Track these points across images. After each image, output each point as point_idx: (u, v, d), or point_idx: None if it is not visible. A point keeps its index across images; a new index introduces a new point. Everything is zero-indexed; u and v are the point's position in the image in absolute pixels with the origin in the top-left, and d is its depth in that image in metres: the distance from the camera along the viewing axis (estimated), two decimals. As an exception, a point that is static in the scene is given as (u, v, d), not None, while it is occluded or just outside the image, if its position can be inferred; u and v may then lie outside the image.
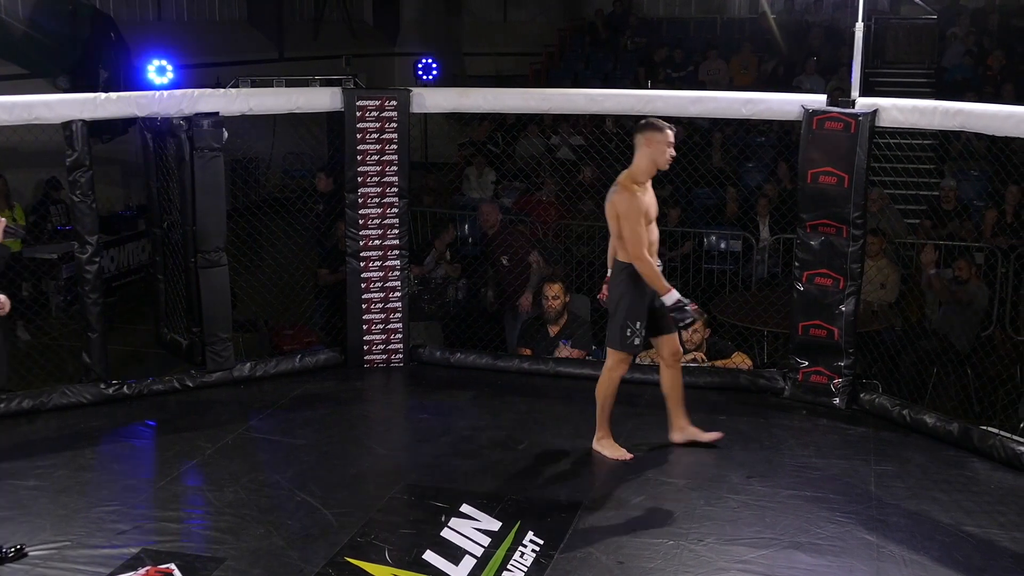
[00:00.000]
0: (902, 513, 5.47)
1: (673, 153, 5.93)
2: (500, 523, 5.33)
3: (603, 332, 8.51)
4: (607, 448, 6.20)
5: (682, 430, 6.30)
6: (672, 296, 5.82)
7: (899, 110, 6.64)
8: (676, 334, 6.19)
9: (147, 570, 4.83)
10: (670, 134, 5.91)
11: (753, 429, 6.60)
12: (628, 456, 6.15)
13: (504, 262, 8.60)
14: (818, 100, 6.96)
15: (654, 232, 6.00)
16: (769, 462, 6.12)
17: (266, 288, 8.36)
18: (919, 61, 15.63)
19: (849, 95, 6.83)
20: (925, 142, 12.46)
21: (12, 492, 5.65)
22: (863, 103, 6.72)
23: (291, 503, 5.53)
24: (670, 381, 6.25)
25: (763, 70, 15.37)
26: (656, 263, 5.93)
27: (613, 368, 6.15)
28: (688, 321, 5.93)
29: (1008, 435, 6.22)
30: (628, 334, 5.99)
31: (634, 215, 5.82)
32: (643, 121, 6.04)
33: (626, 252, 5.89)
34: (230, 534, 5.19)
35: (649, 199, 5.97)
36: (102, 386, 6.99)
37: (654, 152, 5.90)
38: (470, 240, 11.09)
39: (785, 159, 10.67)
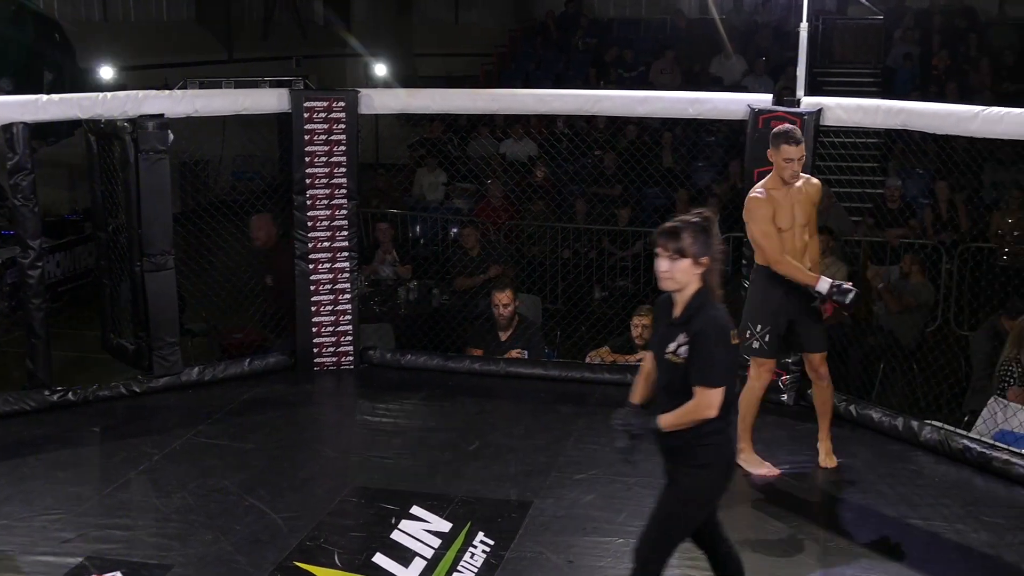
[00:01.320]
0: (849, 507, 5.55)
1: (795, 169, 5.75)
2: (450, 524, 5.32)
3: (554, 333, 8.58)
4: (750, 463, 5.91)
5: (826, 453, 6.05)
6: (824, 283, 5.68)
7: (843, 109, 6.71)
8: (816, 353, 5.94)
9: (92, 578, 4.77)
10: (788, 150, 5.71)
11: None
12: (775, 472, 5.90)
13: (268, 282, 8.08)
14: (764, 100, 7.03)
15: (794, 237, 5.82)
16: (718, 459, 6.15)
17: (215, 292, 8.29)
18: (865, 61, 15.82)
19: (793, 95, 6.90)
20: (871, 140, 12.60)
21: None
22: (808, 102, 6.79)
23: (240, 508, 5.49)
24: (816, 398, 6.10)
25: (687, 69, 15.45)
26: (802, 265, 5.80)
27: (753, 377, 5.94)
28: (852, 297, 5.65)
29: (952, 429, 6.32)
30: (747, 336, 5.84)
31: (759, 218, 5.78)
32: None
33: (763, 255, 5.83)
34: (177, 540, 5.14)
35: (784, 202, 5.78)
36: (46, 392, 6.89)
37: (776, 165, 5.82)
38: (421, 241, 11.08)
39: (735, 158, 10.75)
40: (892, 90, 13.45)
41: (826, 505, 5.55)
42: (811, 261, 5.89)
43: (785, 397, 6.96)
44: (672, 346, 3.95)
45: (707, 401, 3.90)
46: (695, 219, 3.93)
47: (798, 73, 7.00)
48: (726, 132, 10.52)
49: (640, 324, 7.41)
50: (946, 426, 6.34)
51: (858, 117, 6.71)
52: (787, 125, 5.96)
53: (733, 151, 10.62)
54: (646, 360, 4.31)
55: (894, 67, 15.05)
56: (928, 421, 6.42)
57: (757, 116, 6.83)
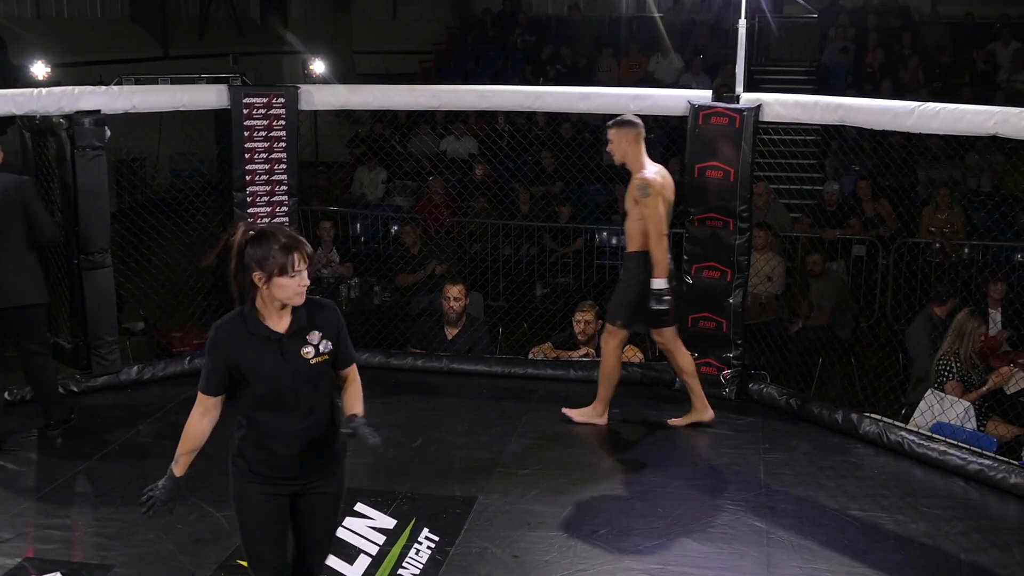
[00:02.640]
0: (790, 499, 5.60)
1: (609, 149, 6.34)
2: (395, 521, 5.31)
3: (496, 330, 8.58)
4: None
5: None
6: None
7: (782, 105, 6.80)
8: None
9: (31, 580, 4.69)
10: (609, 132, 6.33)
11: (644, 421, 6.68)
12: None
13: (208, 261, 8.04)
14: (704, 96, 7.09)
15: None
16: (660, 453, 6.21)
17: (154, 290, 8.18)
18: (801, 59, 16.02)
19: (733, 91, 6.97)
20: (808, 138, 12.77)
21: None
22: (747, 98, 6.86)
23: (182, 507, 5.40)
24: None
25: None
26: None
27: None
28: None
29: (891, 422, 6.43)
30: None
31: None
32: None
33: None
34: (118, 540, 5.07)
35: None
36: (-18, 392, 6.76)
37: None
38: (362, 239, 11.03)
39: (675, 155, 10.84)
40: (827, 88, 13.65)
41: (767, 498, 5.60)
42: None
43: (726, 391, 7.02)
44: (310, 349, 3.74)
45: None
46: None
47: (737, 69, 7.08)
48: (666, 129, 10.57)
49: (583, 320, 7.45)
50: (885, 419, 6.44)
51: (796, 113, 6.80)
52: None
53: (671, 148, 10.69)
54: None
55: (829, 65, 15.27)
56: (867, 414, 6.52)
57: (697, 112, 6.89)
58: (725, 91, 7.21)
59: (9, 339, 6.40)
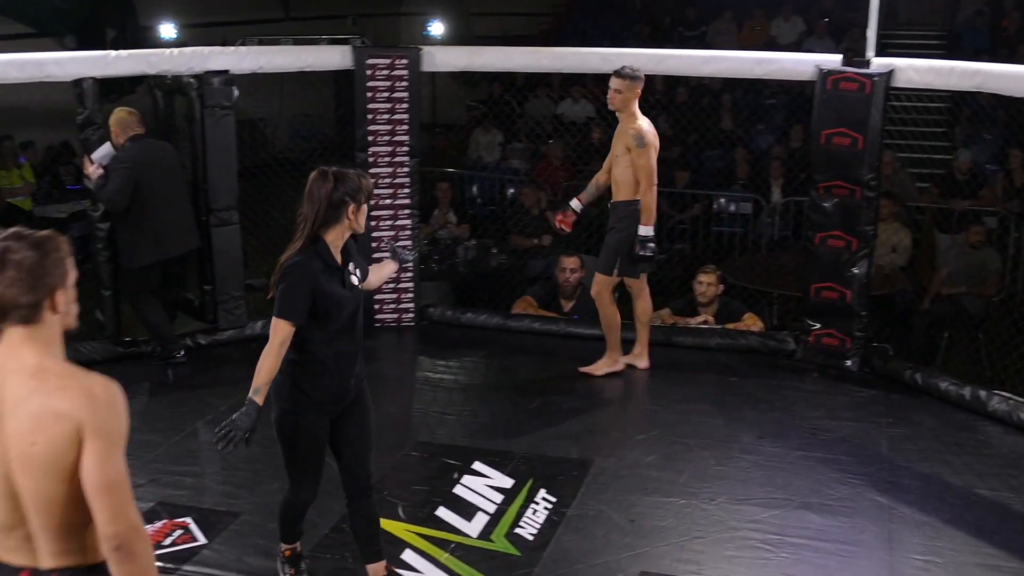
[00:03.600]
0: (914, 475, 5.49)
1: (609, 97, 6.46)
2: (512, 480, 5.35)
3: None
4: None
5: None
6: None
7: (915, 70, 6.59)
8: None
9: (164, 523, 4.86)
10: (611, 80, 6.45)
11: (764, 391, 6.61)
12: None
13: None
14: (833, 60, 6.91)
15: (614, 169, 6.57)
16: (780, 423, 6.13)
17: (276, 247, 8.32)
18: (931, 22, 15.50)
19: (862, 56, 6.79)
20: (936, 104, 12.37)
21: None
22: (878, 63, 6.67)
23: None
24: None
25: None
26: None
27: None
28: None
29: (1020, 399, 6.22)
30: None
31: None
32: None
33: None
34: (245, 489, 5.22)
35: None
36: (115, 344, 7.01)
37: None
38: (479, 200, 11.08)
39: (798, 121, 10.63)
40: (959, 53, 13.17)
41: (889, 472, 5.50)
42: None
43: (849, 363, 6.89)
44: (354, 277, 4.08)
45: None
46: None
47: (868, 33, 6.87)
48: (790, 94, 10.38)
49: (705, 281, 7.37)
50: (1016, 397, 6.23)
51: (930, 79, 6.59)
52: None
53: (796, 114, 10.48)
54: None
55: (961, 30, 14.74)
56: (996, 391, 6.32)
57: (826, 77, 6.72)
58: (852, 55, 7.02)
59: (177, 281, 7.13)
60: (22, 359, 2.49)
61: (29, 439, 2.42)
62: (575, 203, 6.79)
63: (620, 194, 6.49)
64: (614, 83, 6.38)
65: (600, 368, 6.78)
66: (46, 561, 2.50)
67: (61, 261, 2.57)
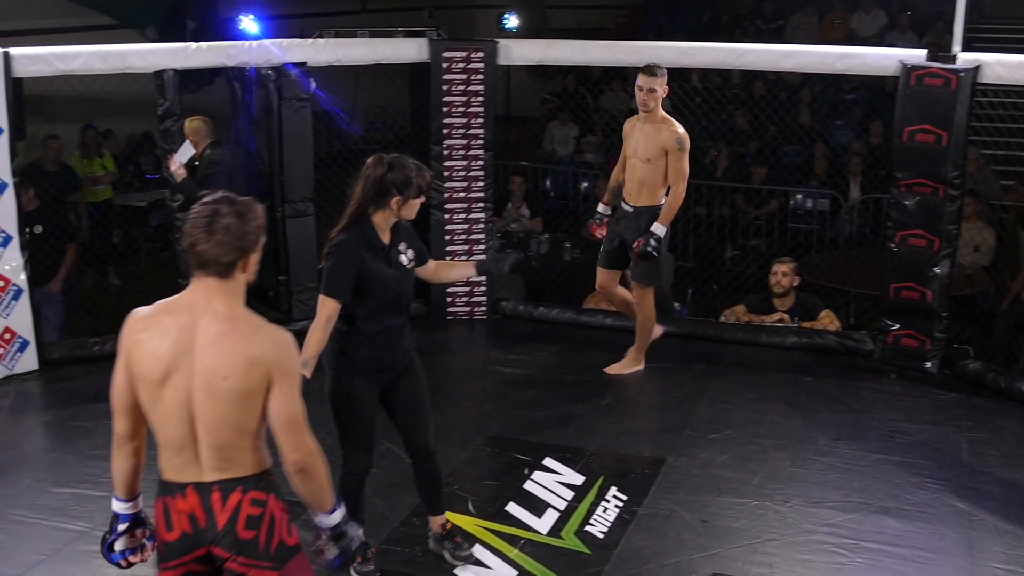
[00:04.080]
0: (995, 481, 5.36)
1: (641, 98, 6.20)
2: (583, 477, 5.32)
3: (686, 291, 8.45)
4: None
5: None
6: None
7: (1003, 66, 6.42)
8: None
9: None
10: (639, 79, 6.22)
11: (840, 391, 6.50)
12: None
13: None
14: (917, 55, 6.76)
15: (634, 167, 6.34)
16: (857, 425, 6.03)
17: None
18: (1020, 16, 15.09)
19: (947, 51, 6.63)
20: (1021, 100, 12.04)
21: (107, 432, 5.60)
22: (965, 58, 6.51)
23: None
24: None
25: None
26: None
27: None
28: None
29: (1108, 404, 6.05)
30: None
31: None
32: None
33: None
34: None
35: (633, 132, 6.40)
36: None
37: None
38: (552, 194, 11.04)
39: (878, 116, 10.44)
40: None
41: (969, 478, 5.37)
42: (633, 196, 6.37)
43: (928, 365, 6.75)
44: (404, 258, 4.23)
45: None
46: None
47: (955, 27, 6.71)
48: (871, 90, 10.18)
49: (780, 271, 7.23)
50: (1101, 402, 6.07)
51: (1020, 75, 6.41)
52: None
53: (877, 110, 10.29)
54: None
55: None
56: (1081, 396, 6.16)
57: (910, 72, 6.57)
58: (936, 50, 6.86)
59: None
60: (214, 306, 2.92)
61: (221, 374, 2.86)
62: (603, 208, 6.62)
63: (644, 198, 6.31)
64: (650, 82, 6.15)
65: (627, 367, 6.74)
66: (209, 476, 2.95)
67: (258, 229, 2.98)
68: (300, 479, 3.02)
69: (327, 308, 4.07)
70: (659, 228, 6.19)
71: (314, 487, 3.05)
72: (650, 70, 6.14)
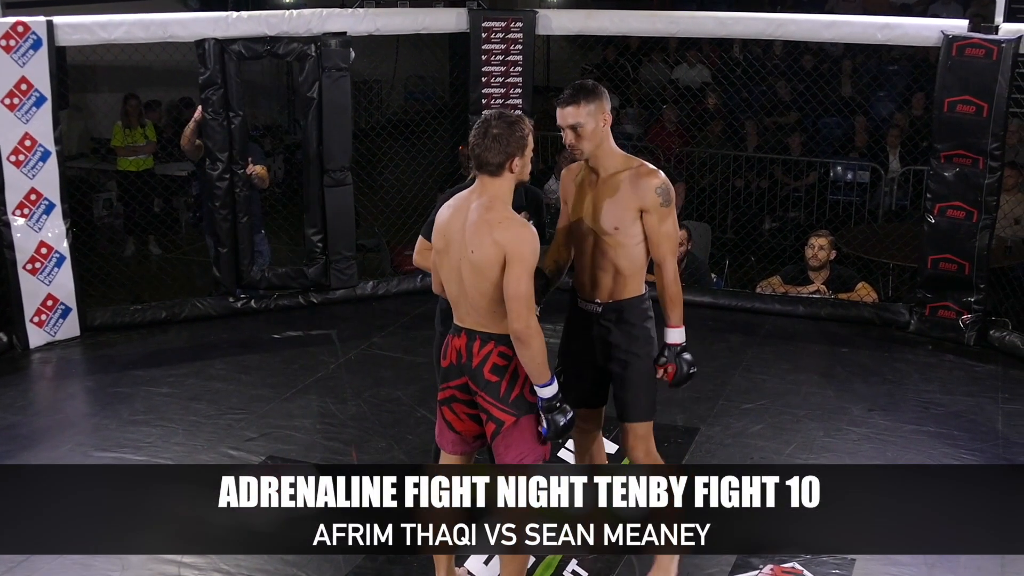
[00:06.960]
0: (1033, 451, 5.35)
1: (568, 140, 3.92)
2: (616, 446, 5.35)
3: (724, 262, 8.45)
4: None
5: None
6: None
7: (1046, 36, 6.35)
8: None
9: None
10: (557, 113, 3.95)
11: (876, 362, 6.50)
12: None
13: None
14: (959, 25, 6.70)
15: (583, 238, 4.11)
16: (891, 396, 6.02)
17: (388, 209, 8.45)
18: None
19: (990, 22, 6.56)
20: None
21: (147, 398, 5.90)
22: (1007, 29, 6.45)
23: (412, 419, 5.64)
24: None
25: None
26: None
27: None
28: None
29: None
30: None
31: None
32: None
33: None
34: (353, 446, 5.33)
35: (573, 187, 4.14)
36: (231, 300, 7.20)
37: None
38: (590, 166, 11.00)
39: (920, 88, 10.34)
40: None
41: (1004, 449, 5.36)
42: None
43: (965, 337, 6.72)
44: None
45: None
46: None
47: (998, -3, 6.64)
48: (914, 61, 10.08)
49: (817, 244, 7.20)
50: None
51: (1063, 46, 6.34)
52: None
53: (919, 81, 10.18)
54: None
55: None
56: None
57: (951, 43, 6.52)
58: (979, 21, 6.79)
59: None
60: (482, 197, 3.64)
61: (471, 247, 3.59)
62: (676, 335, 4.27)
63: (624, 289, 4.08)
64: (571, 115, 3.86)
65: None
66: (475, 326, 3.69)
67: (523, 138, 3.63)
68: (519, 347, 3.58)
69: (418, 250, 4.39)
70: (674, 334, 4.18)
71: (528, 357, 3.60)
72: (569, 98, 3.91)
